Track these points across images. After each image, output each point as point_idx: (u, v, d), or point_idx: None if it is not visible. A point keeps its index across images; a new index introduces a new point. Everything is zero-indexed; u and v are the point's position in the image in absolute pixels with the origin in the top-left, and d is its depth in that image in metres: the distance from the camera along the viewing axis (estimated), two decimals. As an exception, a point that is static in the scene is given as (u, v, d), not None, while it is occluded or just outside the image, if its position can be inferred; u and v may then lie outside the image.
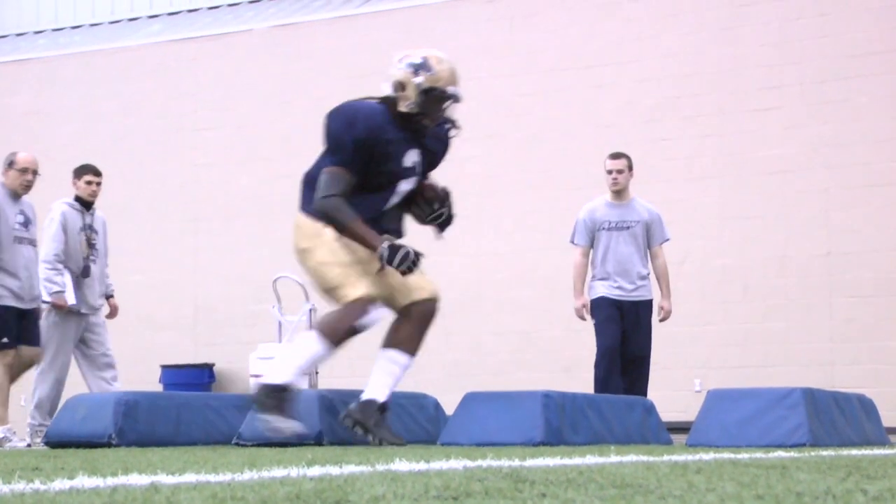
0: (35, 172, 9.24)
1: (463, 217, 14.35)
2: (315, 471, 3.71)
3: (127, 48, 16.16)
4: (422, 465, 4.01)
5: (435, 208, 6.80)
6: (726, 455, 5.00)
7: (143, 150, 15.52)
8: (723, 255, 12.82)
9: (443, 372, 13.10)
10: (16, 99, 16.42)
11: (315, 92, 14.78)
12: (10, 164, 9.22)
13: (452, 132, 6.81)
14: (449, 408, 7.51)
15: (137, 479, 3.34)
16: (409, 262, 6.40)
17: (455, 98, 6.67)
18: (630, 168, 9.46)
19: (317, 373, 11.20)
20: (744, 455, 4.99)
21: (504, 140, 13.83)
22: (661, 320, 9.37)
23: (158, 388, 13.78)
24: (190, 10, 16.89)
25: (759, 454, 5.12)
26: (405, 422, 7.46)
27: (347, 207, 6.50)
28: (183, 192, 15.15)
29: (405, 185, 6.72)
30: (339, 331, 6.39)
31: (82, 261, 9.57)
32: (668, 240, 9.53)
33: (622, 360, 9.18)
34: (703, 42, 13.15)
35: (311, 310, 11.45)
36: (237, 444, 7.02)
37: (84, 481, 3.27)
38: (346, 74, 14.64)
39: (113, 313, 9.94)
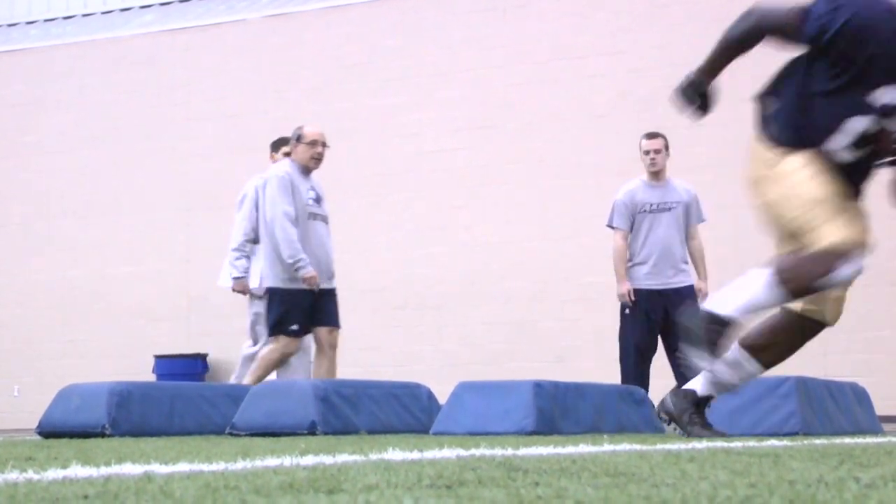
0: (324, 145, 8.94)
1: (455, 207, 14.43)
2: (308, 460, 3.71)
3: (119, 38, 16.13)
4: (415, 455, 4.02)
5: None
6: (719, 444, 5.00)
7: (136, 140, 15.49)
8: (718, 245, 12.79)
9: (436, 362, 13.09)
10: (8, 90, 16.39)
11: (308, 82, 14.76)
12: (298, 138, 8.93)
13: None
14: (442, 397, 7.52)
15: (131, 469, 3.34)
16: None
17: None
18: (667, 147, 9.15)
19: (311, 362, 11.18)
20: (736, 443, 5.00)
21: (496, 131, 13.81)
22: None
23: (152, 378, 13.77)
24: (182, 0, 16.86)
25: (751, 443, 5.13)
26: (398, 411, 7.48)
27: (746, 28, 5.64)
28: (175, 183, 15.12)
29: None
30: (804, 281, 5.17)
31: None
32: (704, 220, 9.23)
33: (668, 351, 8.84)
34: (695, 31, 13.13)
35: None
36: (231, 434, 7.03)
37: (77, 471, 3.27)
38: (338, 65, 14.63)
39: None
